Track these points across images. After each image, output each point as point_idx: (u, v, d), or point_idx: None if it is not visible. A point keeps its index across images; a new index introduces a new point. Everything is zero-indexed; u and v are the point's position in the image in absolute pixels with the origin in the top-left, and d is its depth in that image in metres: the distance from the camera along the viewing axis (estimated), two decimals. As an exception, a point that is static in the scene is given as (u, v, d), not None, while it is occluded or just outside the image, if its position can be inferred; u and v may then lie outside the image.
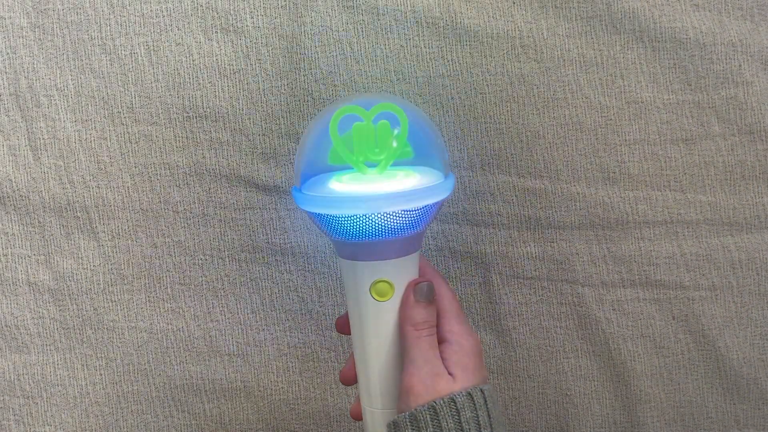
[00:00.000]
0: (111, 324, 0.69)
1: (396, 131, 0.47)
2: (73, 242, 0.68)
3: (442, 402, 0.47)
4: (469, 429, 0.47)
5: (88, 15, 0.65)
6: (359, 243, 0.48)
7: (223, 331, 0.70)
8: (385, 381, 0.52)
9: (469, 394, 0.48)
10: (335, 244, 0.51)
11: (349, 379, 0.57)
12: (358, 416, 0.56)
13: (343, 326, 0.57)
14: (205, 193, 0.67)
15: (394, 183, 0.48)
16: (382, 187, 0.47)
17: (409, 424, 0.47)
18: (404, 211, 0.47)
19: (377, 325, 0.50)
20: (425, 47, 0.65)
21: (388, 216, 0.47)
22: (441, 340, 0.52)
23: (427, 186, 0.48)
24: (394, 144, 0.47)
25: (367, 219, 0.47)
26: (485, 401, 0.48)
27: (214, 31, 0.65)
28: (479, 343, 0.53)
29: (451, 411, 0.47)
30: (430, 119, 0.54)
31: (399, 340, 0.51)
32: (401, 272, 0.49)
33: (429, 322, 0.50)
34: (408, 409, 0.48)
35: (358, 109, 0.47)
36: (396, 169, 0.50)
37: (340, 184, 0.49)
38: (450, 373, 0.50)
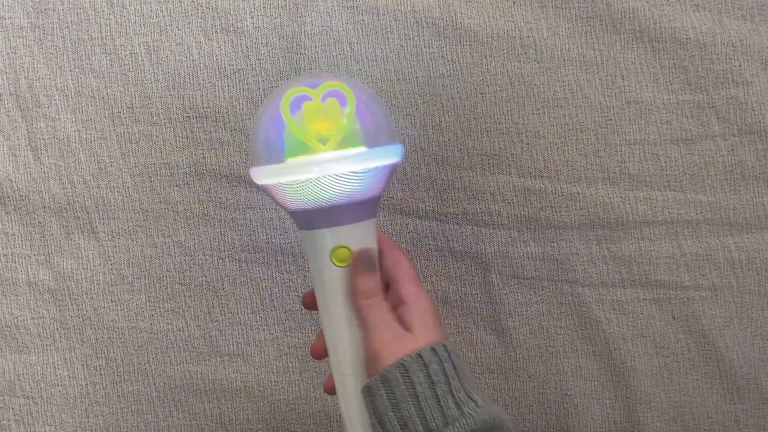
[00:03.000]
0: (111, 324, 0.69)
1: (344, 108, 0.50)
2: (73, 242, 0.68)
3: (410, 359, 0.49)
4: (438, 380, 0.48)
5: (88, 15, 0.65)
6: (315, 210, 0.50)
7: (223, 331, 0.70)
8: (352, 346, 0.53)
9: (433, 349, 0.49)
10: (294, 216, 0.53)
11: (320, 352, 0.58)
12: (331, 390, 0.57)
13: (310, 302, 0.58)
14: (205, 193, 0.67)
15: (335, 155, 0.51)
16: (333, 154, 0.50)
17: (381, 385, 0.49)
18: (353, 172, 0.49)
19: (340, 291, 0.52)
20: (425, 47, 0.65)
21: (339, 178, 0.49)
22: (399, 304, 0.53)
23: (376, 152, 0.51)
24: (344, 120, 0.50)
25: (320, 182, 0.49)
26: (449, 354, 0.50)
27: (214, 31, 0.65)
28: (434, 303, 0.54)
29: (419, 365, 0.49)
30: (376, 94, 0.57)
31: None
32: (359, 238, 0.51)
33: (377, 288, 0.52)
34: (378, 373, 0.50)
35: (306, 89, 0.50)
36: (347, 146, 0.52)
37: (294, 160, 0.51)
38: (412, 333, 0.51)
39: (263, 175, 0.51)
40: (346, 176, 0.50)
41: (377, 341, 0.51)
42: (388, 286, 0.55)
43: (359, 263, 0.52)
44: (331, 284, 0.52)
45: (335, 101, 0.50)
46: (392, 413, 0.48)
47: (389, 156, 0.52)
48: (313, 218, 0.51)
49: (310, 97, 0.50)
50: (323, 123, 0.50)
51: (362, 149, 0.52)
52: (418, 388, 0.48)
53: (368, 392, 0.50)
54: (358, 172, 0.50)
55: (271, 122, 0.52)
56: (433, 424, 0.47)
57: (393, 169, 0.54)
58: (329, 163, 0.49)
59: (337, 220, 0.51)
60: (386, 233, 0.68)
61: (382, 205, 0.68)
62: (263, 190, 0.53)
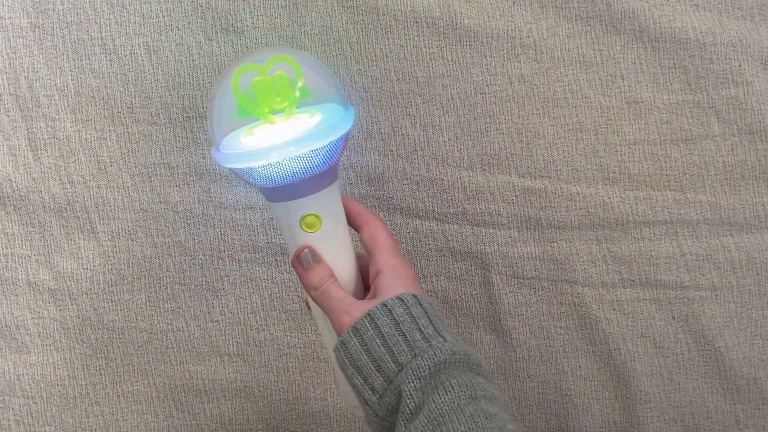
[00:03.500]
0: (111, 324, 0.69)
1: (292, 78, 0.51)
2: (73, 242, 0.68)
3: (375, 308, 0.52)
4: (404, 320, 0.51)
5: (88, 15, 0.65)
6: (281, 186, 0.53)
7: (223, 331, 0.70)
8: None
9: (399, 297, 0.52)
10: (262, 191, 0.56)
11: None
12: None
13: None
14: (205, 193, 0.67)
15: (300, 126, 0.52)
16: (289, 134, 0.51)
17: (352, 335, 0.51)
18: (313, 150, 0.51)
19: None
20: (425, 47, 0.65)
21: (299, 158, 0.51)
22: (376, 273, 0.55)
23: (328, 123, 0.53)
24: (297, 93, 0.51)
25: (281, 165, 0.51)
26: (418, 300, 0.52)
27: (214, 31, 0.65)
28: (412, 271, 0.56)
29: (384, 311, 0.51)
30: (322, 62, 0.59)
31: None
32: (324, 203, 0.55)
33: (323, 277, 0.55)
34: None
35: (254, 65, 0.51)
36: (301, 111, 0.53)
37: (252, 138, 0.53)
38: (378, 297, 0.53)
39: (225, 160, 0.53)
40: (306, 156, 0.51)
41: (337, 314, 0.53)
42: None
43: (303, 261, 0.55)
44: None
45: (284, 74, 0.51)
46: (365, 357, 0.51)
47: (342, 125, 0.53)
48: (279, 193, 0.54)
49: (258, 73, 0.51)
50: (275, 96, 0.51)
51: (317, 115, 0.53)
52: (384, 329, 0.51)
53: (342, 346, 0.52)
54: (316, 150, 0.51)
55: (223, 101, 0.54)
56: (402, 358, 0.50)
57: (348, 134, 0.55)
58: (288, 146, 0.51)
59: (302, 192, 0.54)
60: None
61: (382, 205, 0.68)
62: (232, 173, 0.55)
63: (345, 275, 0.57)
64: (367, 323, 0.51)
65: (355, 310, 0.53)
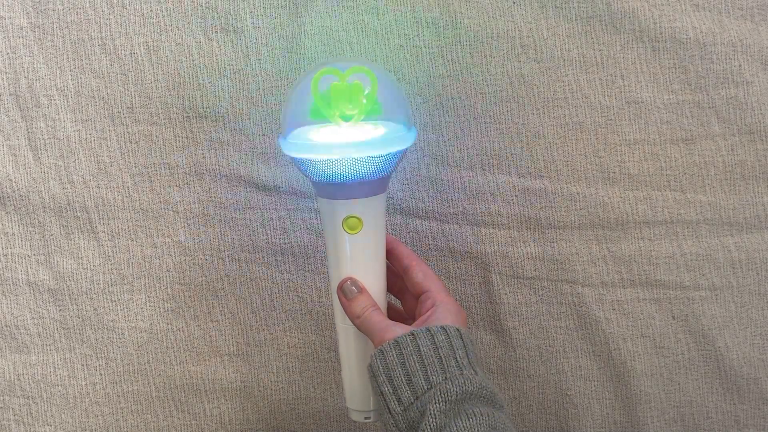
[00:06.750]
0: (111, 324, 0.69)
1: (367, 90, 0.55)
2: (73, 242, 0.68)
3: (419, 330, 0.54)
4: (443, 346, 0.53)
5: (88, 15, 0.65)
6: (334, 184, 0.56)
7: (223, 331, 0.70)
8: None
9: (443, 327, 0.54)
10: (314, 185, 0.59)
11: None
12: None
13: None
14: (205, 193, 0.67)
15: (363, 134, 0.56)
16: (352, 137, 0.55)
17: (392, 347, 0.54)
18: (370, 157, 0.55)
19: (349, 254, 0.58)
20: (425, 47, 0.65)
21: (357, 161, 0.55)
22: (431, 305, 0.58)
23: (390, 136, 0.57)
24: (364, 101, 0.55)
25: (339, 163, 0.55)
26: (460, 334, 0.55)
27: (214, 31, 0.65)
28: (466, 316, 0.59)
29: (427, 335, 0.54)
30: (396, 81, 0.63)
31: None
32: (369, 210, 0.57)
33: (366, 305, 0.57)
34: None
35: (335, 70, 0.55)
36: (368, 123, 0.57)
37: (318, 135, 0.57)
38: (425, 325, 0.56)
39: (290, 148, 0.57)
40: (363, 160, 0.55)
41: (380, 334, 0.55)
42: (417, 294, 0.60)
43: (346, 293, 0.58)
44: (342, 248, 0.58)
45: (360, 84, 0.55)
46: (399, 368, 0.53)
47: (402, 142, 0.57)
48: (330, 190, 0.57)
49: (337, 78, 0.55)
50: (347, 102, 0.55)
51: (380, 128, 0.57)
52: (423, 349, 0.53)
53: (380, 354, 0.54)
54: (373, 156, 0.55)
55: (300, 96, 0.57)
56: (434, 378, 0.52)
57: (405, 152, 0.58)
58: (350, 148, 0.54)
59: (351, 194, 0.57)
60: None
61: (382, 205, 0.68)
62: (294, 162, 0.58)
63: (374, 286, 0.59)
64: (408, 340, 0.54)
65: (400, 329, 0.55)
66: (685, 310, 0.69)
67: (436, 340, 0.53)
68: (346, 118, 0.55)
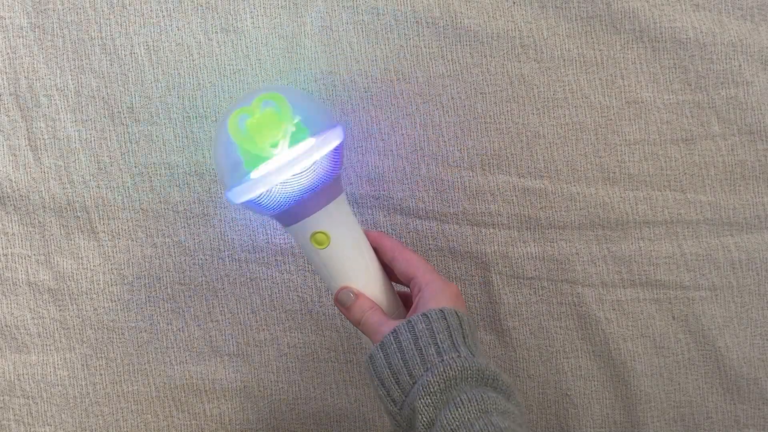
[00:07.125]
0: (111, 324, 0.69)
1: (280, 112, 0.55)
2: (73, 242, 0.68)
3: (400, 325, 0.54)
4: (422, 335, 0.53)
5: (88, 15, 0.65)
6: (286, 210, 0.56)
7: (223, 331, 0.70)
8: None
9: (424, 314, 0.54)
10: (276, 219, 0.58)
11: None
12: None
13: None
14: (205, 193, 0.67)
15: (295, 152, 0.55)
16: (284, 159, 0.54)
17: (379, 349, 0.54)
18: (295, 175, 0.54)
19: (327, 269, 0.58)
20: (425, 47, 0.65)
21: (287, 183, 0.54)
22: (418, 291, 0.57)
23: (316, 143, 0.55)
24: (284, 124, 0.55)
25: (271, 193, 0.54)
26: (444, 315, 0.54)
27: (214, 31, 0.65)
28: (457, 289, 0.57)
29: (408, 327, 0.53)
30: (305, 91, 0.64)
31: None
32: (331, 220, 0.57)
33: (365, 308, 0.58)
34: None
35: (243, 108, 0.55)
36: (299, 142, 0.56)
37: (257, 172, 0.56)
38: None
39: (235, 197, 0.56)
40: (298, 175, 0.54)
41: (373, 335, 0.56)
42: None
43: (342, 301, 0.58)
44: (320, 264, 0.58)
45: (271, 110, 0.55)
46: (387, 370, 0.53)
47: (332, 140, 0.56)
48: (286, 217, 0.57)
49: (248, 115, 0.55)
50: (268, 132, 0.55)
51: (311, 141, 0.56)
52: (404, 344, 0.53)
53: (370, 360, 0.54)
54: (307, 168, 0.54)
55: (225, 147, 0.57)
56: (416, 371, 0.52)
57: (342, 150, 0.58)
58: (270, 176, 0.54)
59: (306, 212, 0.56)
60: (387, 233, 0.68)
61: (382, 205, 0.68)
62: (244, 207, 0.57)
63: (369, 286, 0.59)
64: (391, 338, 0.54)
65: (387, 327, 0.55)
66: (685, 310, 0.69)
67: (416, 330, 0.53)
68: (275, 145, 0.54)
